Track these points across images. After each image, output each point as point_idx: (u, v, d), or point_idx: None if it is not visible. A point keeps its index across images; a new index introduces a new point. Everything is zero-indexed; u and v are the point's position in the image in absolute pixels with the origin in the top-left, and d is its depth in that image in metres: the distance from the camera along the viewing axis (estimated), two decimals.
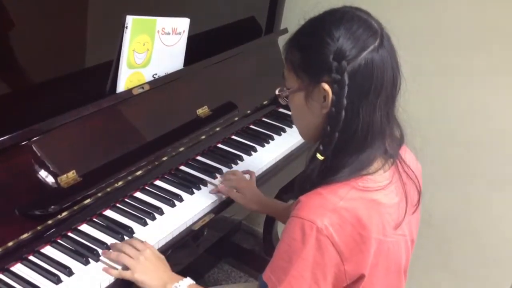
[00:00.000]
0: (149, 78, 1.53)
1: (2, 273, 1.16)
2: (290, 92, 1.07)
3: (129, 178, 1.40)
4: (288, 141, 1.77)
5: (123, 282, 1.19)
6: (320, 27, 1.01)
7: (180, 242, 1.34)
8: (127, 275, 1.17)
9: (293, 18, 2.04)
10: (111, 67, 1.43)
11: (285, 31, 1.99)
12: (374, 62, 0.98)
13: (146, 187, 1.46)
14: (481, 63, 1.79)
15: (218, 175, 1.54)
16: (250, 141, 1.73)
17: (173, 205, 1.41)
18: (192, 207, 1.41)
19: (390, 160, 1.07)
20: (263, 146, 1.73)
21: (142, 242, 1.24)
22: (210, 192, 1.47)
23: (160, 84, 1.54)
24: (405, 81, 1.05)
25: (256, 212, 1.52)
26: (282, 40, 1.98)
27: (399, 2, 1.87)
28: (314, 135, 1.08)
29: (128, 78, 1.46)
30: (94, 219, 1.33)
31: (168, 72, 1.58)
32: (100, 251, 1.23)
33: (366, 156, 1.02)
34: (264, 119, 1.88)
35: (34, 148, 1.26)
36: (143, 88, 1.48)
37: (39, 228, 1.21)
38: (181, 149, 1.55)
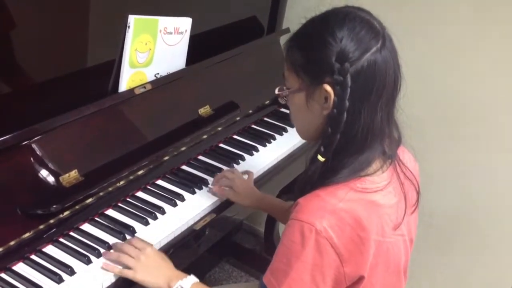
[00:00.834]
0: (151, 77, 1.53)
1: (4, 272, 1.16)
2: (290, 92, 1.06)
3: (131, 177, 1.40)
4: (289, 141, 1.77)
5: (124, 281, 1.20)
6: (322, 27, 1.00)
7: (181, 241, 1.34)
8: (129, 274, 1.17)
9: (294, 18, 2.04)
10: (113, 67, 1.43)
11: (287, 30, 1.99)
12: (376, 63, 0.97)
13: (148, 187, 1.46)
14: (481, 63, 1.79)
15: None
16: (252, 141, 1.73)
17: (174, 205, 1.41)
18: (194, 207, 1.41)
19: (389, 160, 1.07)
20: (264, 145, 1.73)
21: (142, 240, 1.24)
22: (209, 191, 1.48)
23: (162, 84, 1.54)
24: (405, 81, 1.05)
25: (251, 208, 1.50)
26: (283, 40, 1.98)
27: (399, 2, 1.87)
28: (313, 135, 1.08)
29: (130, 78, 1.47)
30: (96, 219, 1.33)
31: (170, 72, 1.58)
32: (102, 250, 1.23)
33: (365, 157, 1.02)
34: (265, 118, 1.88)
35: (36, 148, 1.26)
36: (145, 87, 1.48)
37: (41, 227, 1.21)
38: (183, 148, 1.55)
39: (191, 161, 1.59)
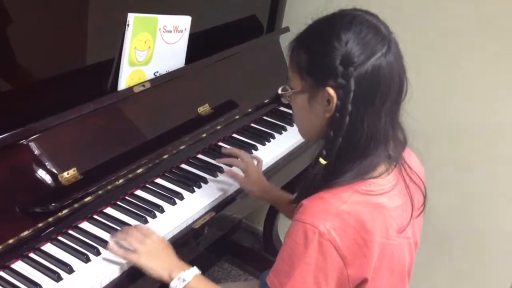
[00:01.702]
0: (150, 76, 1.53)
1: (3, 271, 1.16)
2: (293, 93, 1.06)
3: (130, 176, 1.40)
4: (289, 139, 1.77)
5: (123, 279, 1.20)
6: (328, 30, 0.99)
7: (180, 240, 1.33)
8: (133, 258, 1.16)
9: (294, 17, 2.05)
10: (113, 65, 1.43)
11: (287, 29, 1.99)
12: (381, 68, 0.96)
13: (147, 185, 1.46)
14: (481, 63, 1.79)
15: (223, 168, 1.53)
16: (251, 140, 1.73)
17: (173, 203, 1.41)
18: (193, 206, 1.41)
19: (394, 164, 1.06)
20: (264, 144, 1.73)
21: (148, 228, 1.23)
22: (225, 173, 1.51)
23: (161, 82, 1.54)
24: (409, 83, 1.03)
25: (255, 197, 1.49)
26: (283, 39, 1.98)
27: (399, 2, 1.87)
28: (314, 136, 1.08)
29: (129, 76, 1.46)
30: (95, 217, 1.33)
31: (170, 70, 1.58)
32: (100, 248, 1.23)
33: (369, 162, 1.02)
34: (265, 117, 1.88)
35: (35, 146, 1.26)
36: (144, 86, 1.48)
37: (39, 225, 1.21)
38: (182, 147, 1.55)
39: (191, 160, 1.59)
